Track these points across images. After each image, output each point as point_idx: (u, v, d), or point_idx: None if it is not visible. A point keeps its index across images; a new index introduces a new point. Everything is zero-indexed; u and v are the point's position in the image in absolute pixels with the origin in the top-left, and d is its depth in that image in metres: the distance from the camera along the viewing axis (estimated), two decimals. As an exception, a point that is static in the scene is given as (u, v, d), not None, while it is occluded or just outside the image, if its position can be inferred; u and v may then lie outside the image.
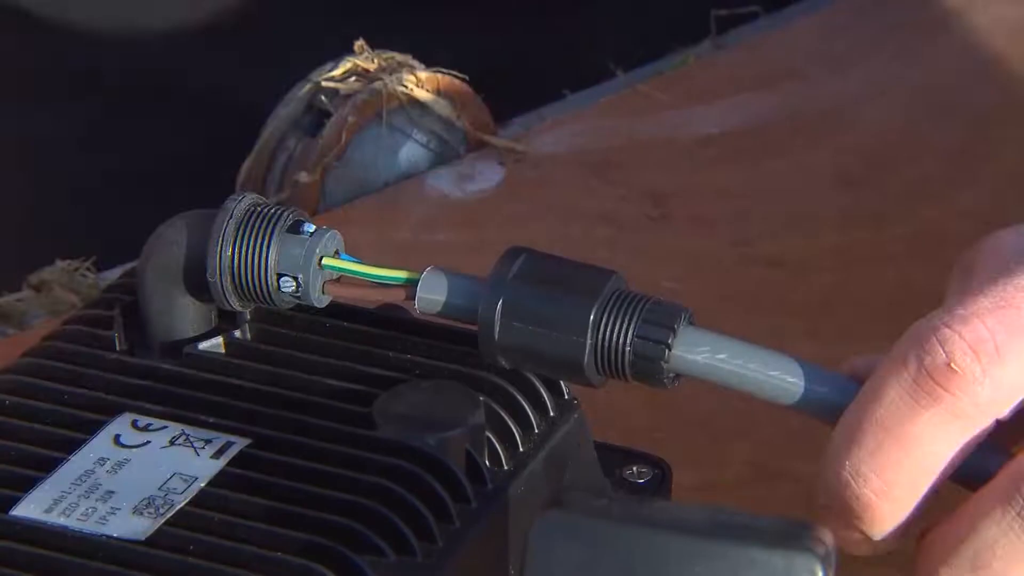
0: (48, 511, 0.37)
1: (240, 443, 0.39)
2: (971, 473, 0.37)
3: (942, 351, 0.35)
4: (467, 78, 0.61)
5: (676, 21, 0.65)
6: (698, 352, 0.38)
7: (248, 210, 0.39)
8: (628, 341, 0.38)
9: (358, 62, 0.60)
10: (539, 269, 0.39)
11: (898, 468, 0.35)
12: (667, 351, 0.38)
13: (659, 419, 0.48)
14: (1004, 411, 0.36)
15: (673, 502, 0.42)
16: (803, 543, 0.33)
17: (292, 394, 0.40)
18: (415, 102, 0.60)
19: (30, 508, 0.37)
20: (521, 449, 0.39)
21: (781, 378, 0.38)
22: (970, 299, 0.35)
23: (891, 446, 0.35)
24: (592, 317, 0.38)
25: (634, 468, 0.42)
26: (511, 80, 0.62)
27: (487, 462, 0.39)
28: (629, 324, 0.38)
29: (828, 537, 0.33)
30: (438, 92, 0.60)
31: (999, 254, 0.37)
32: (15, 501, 0.37)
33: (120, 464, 0.38)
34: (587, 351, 0.38)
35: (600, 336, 0.38)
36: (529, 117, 0.63)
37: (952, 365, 0.34)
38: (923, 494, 0.36)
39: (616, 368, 0.38)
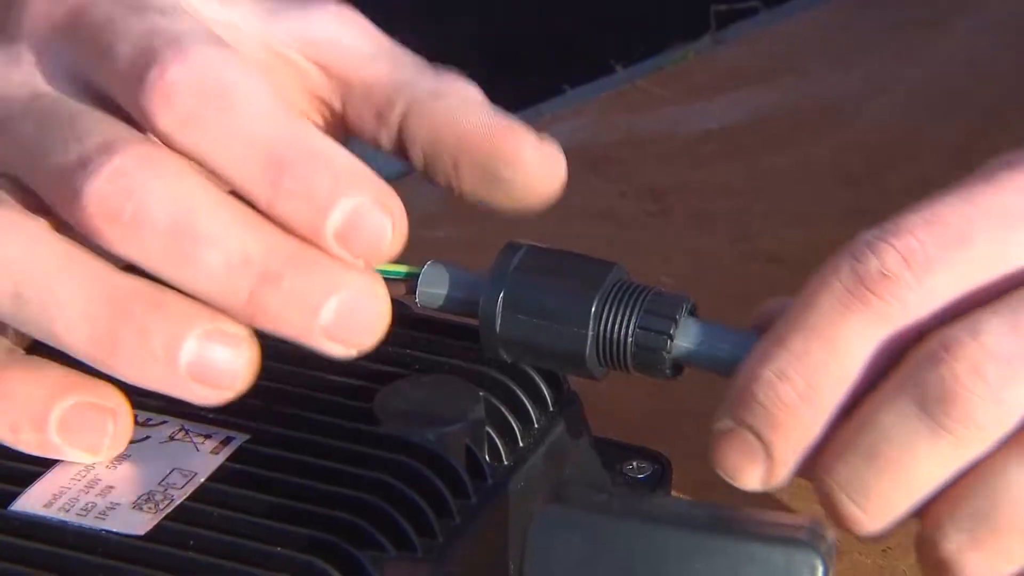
0: (47, 506, 0.37)
1: (240, 438, 0.38)
2: None
3: (874, 259, 0.36)
4: (466, 73, 0.61)
5: (676, 16, 0.64)
6: (700, 342, 0.38)
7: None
8: (630, 332, 0.38)
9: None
10: (540, 262, 0.39)
11: (824, 370, 0.36)
12: (669, 341, 0.38)
13: (660, 414, 0.48)
14: (929, 320, 0.36)
15: (673, 497, 0.42)
16: (803, 539, 0.33)
17: (291, 389, 0.40)
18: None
19: (30, 503, 0.37)
20: (521, 444, 0.39)
21: None
22: (903, 217, 0.36)
23: (819, 348, 0.36)
24: (594, 308, 0.38)
25: (634, 463, 0.42)
26: (510, 75, 0.62)
27: (487, 457, 0.39)
28: (631, 315, 0.38)
29: (828, 533, 0.33)
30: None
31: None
32: (15, 496, 0.37)
33: (120, 459, 0.38)
34: (589, 343, 0.38)
35: (602, 327, 0.38)
36: (528, 113, 0.63)
37: (883, 271, 0.35)
38: (842, 401, 0.36)
39: (618, 359, 0.38)
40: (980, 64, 0.64)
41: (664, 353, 0.38)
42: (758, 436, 0.36)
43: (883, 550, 0.45)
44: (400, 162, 0.62)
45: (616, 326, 0.38)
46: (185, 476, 0.38)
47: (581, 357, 0.38)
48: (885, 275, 0.35)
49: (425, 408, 0.39)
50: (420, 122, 0.40)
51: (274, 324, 0.36)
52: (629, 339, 0.38)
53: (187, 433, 0.38)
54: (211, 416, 0.39)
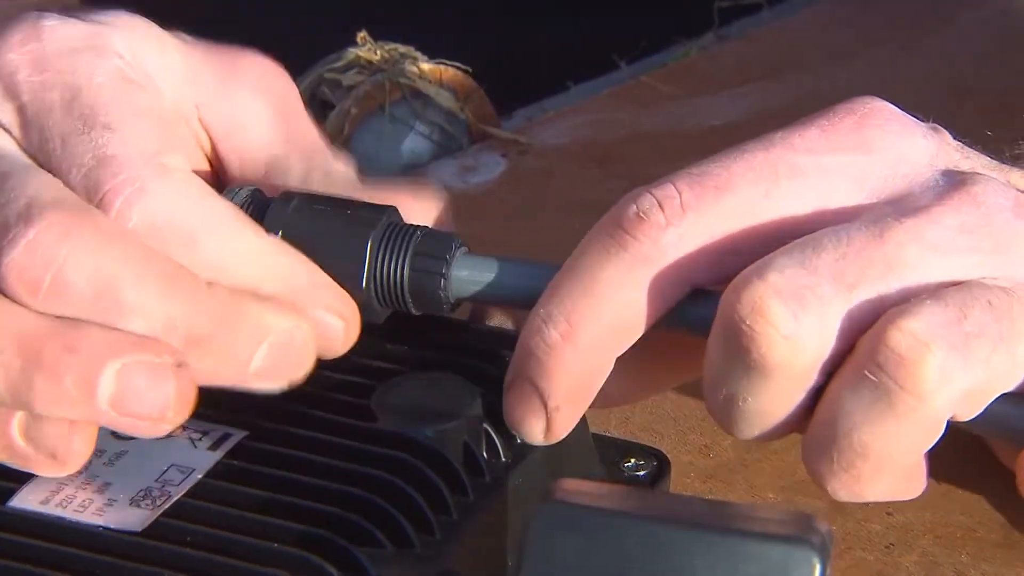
0: (45, 502, 0.37)
1: (238, 435, 0.38)
2: (688, 323, 0.38)
3: (634, 205, 0.37)
4: (470, 70, 0.61)
5: (679, 13, 0.64)
6: (476, 278, 0.39)
7: (247, 200, 0.39)
8: (404, 273, 0.38)
9: (361, 54, 0.60)
10: (312, 209, 0.39)
11: (585, 312, 0.37)
12: (442, 280, 0.38)
13: (660, 411, 0.48)
14: (685, 264, 0.37)
15: (671, 494, 0.42)
16: (801, 535, 0.32)
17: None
18: (418, 94, 0.60)
19: (28, 499, 0.37)
20: (519, 440, 0.39)
21: (539, 284, 0.38)
22: (674, 173, 0.38)
23: (580, 291, 0.37)
24: (368, 252, 0.38)
25: (632, 460, 0.42)
26: (514, 72, 0.62)
27: (485, 454, 0.39)
28: (403, 256, 0.38)
29: (825, 529, 0.33)
30: (441, 84, 0.60)
31: None
32: (12, 492, 0.37)
33: (117, 456, 0.38)
34: (365, 285, 0.38)
35: (377, 271, 0.38)
36: (532, 109, 0.63)
37: (639, 214, 0.37)
38: (607, 344, 0.37)
39: (397, 301, 0.39)
40: (984, 56, 0.63)
41: (440, 292, 0.39)
42: (533, 385, 0.38)
43: (886, 546, 0.45)
44: (401, 157, 0.62)
45: (390, 268, 0.38)
46: (183, 472, 0.38)
47: (359, 300, 0.39)
48: (640, 217, 0.37)
49: (423, 405, 0.38)
50: None
51: (206, 380, 0.37)
52: (404, 281, 0.38)
53: (185, 430, 0.38)
54: (209, 412, 0.39)
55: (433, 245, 0.39)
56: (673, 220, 0.37)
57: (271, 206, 0.39)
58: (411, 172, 0.60)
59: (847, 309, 0.36)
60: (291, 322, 0.37)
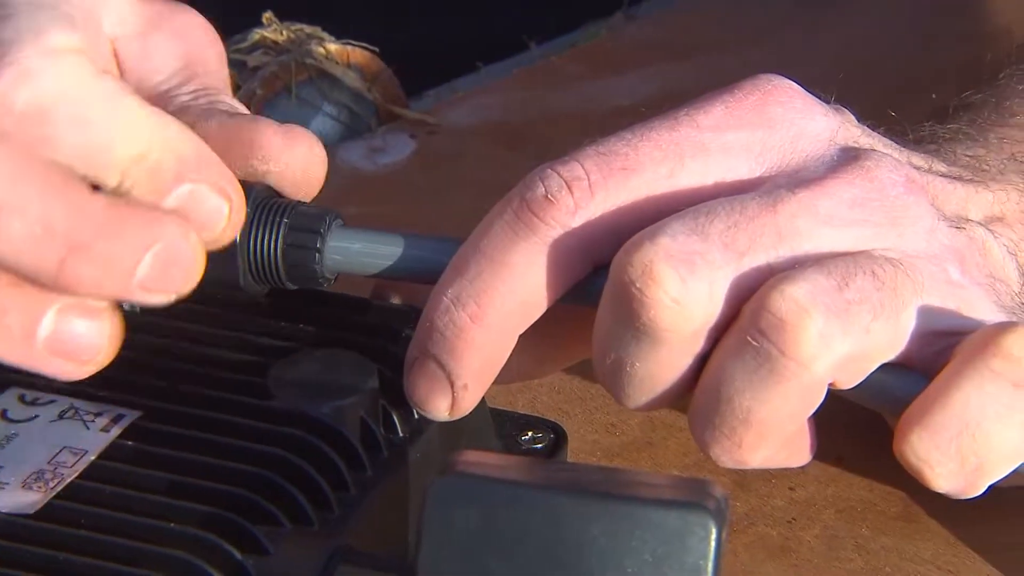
0: (-66, 486, 0.36)
1: (131, 415, 0.38)
2: (590, 298, 0.38)
3: (541, 186, 0.38)
4: (377, 50, 0.61)
5: (589, -7, 0.64)
6: (352, 250, 0.39)
7: None
8: (277, 249, 0.38)
9: (266, 34, 0.60)
10: None
11: (494, 294, 0.37)
12: (316, 254, 0.38)
13: (561, 386, 0.48)
14: (591, 243, 0.38)
15: (569, 463, 0.42)
16: (697, 501, 0.33)
17: (183, 365, 0.39)
18: (325, 75, 0.59)
19: (-84, 483, 0.36)
20: (416, 415, 0.39)
21: (431, 259, 0.39)
22: (580, 149, 0.38)
23: (489, 273, 0.37)
24: (240, 233, 0.38)
25: (530, 433, 0.42)
26: (423, 53, 0.62)
27: (383, 429, 0.38)
28: (277, 231, 0.38)
29: (722, 495, 0.33)
30: (348, 65, 0.60)
31: None
32: (-100, 477, 0.37)
33: (8, 439, 0.38)
34: (240, 264, 0.38)
35: (250, 249, 0.38)
36: (441, 90, 0.63)
37: (548, 196, 0.37)
38: (514, 323, 0.38)
39: (272, 277, 0.39)
40: (892, 36, 0.64)
41: (315, 266, 0.39)
42: (440, 364, 0.38)
43: (788, 521, 0.46)
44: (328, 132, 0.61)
45: (264, 244, 0.38)
46: (75, 454, 0.37)
47: (235, 280, 0.39)
48: (548, 199, 0.37)
49: (319, 382, 0.38)
50: None
51: (90, 290, 0.36)
52: (278, 256, 0.38)
53: (77, 411, 0.38)
54: (102, 394, 0.38)
55: (307, 219, 0.39)
56: (581, 202, 0.37)
57: None
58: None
59: (736, 275, 0.37)
60: (177, 230, 0.36)
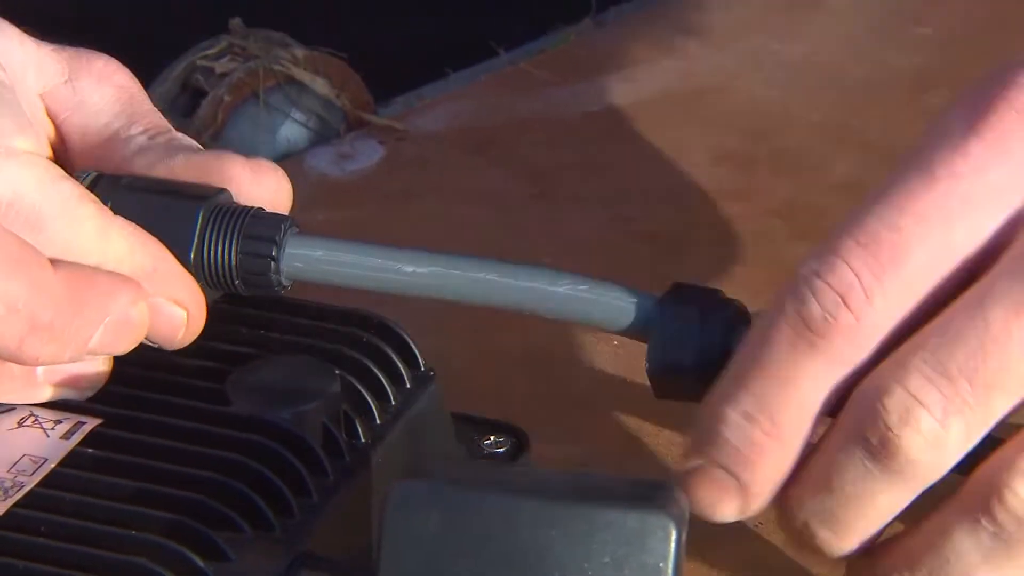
0: None
1: (91, 423, 0.38)
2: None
3: (815, 302, 0.36)
4: (346, 57, 0.61)
5: None
6: (308, 259, 0.38)
7: (92, 183, 0.39)
8: (232, 256, 0.38)
9: (234, 41, 0.60)
10: (141, 188, 0.39)
11: (787, 411, 0.36)
12: (272, 262, 0.38)
13: (518, 390, 0.48)
14: (881, 344, 0.36)
15: (529, 468, 0.42)
16: (657, 503, 0.33)
17: (143, 372, 0.39)
18: (293, 81, 0.59)
19: None
20: (378, 421, 0.39)
21: (391, 268, 0.38)
22: (836, 239, 0.36)
23: (779, 391, 0.36)
24: (195, 235, 0.38)
25: (492, 438, 0.42)
26: (392, 59, 0.62)
27: (344, 435, 0.38)
28: (232, 239, 0.38)
29: (682, 497, 0.33)
30: (316, 71, 0.60)
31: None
32: None
33: (-33, 446, 0.37)
34: (194, 271, 0.38)
35: (204, 253, 0.38)
36: (410, 96, 0.63)
37: (826, 316, 0.36)
38: (807, 433, 0.37)
39: (226, 283, 0.39)
40: (854, 41, 0.64)
41: (271, 275, 0.38)
42: (732, 474, 0.37)
43: (755, 525, 0.46)
44: (276, 145, 0.61)
45: (218, 251, 0.38)
46: (35, 462, 0.37)
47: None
48: (827, 320, 0.35)
49: (280, 387, 0.38)
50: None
51: (47, 361, 0.37)
52: (232, 263, 0.38)
53: (36, 419, 0.38)
54: (61, 402, 0.38)
55: (262, 227, 0.38)
56: (861, 315, 0.35)
57: (99, 181, 0.39)
58: (287, 159, 0.59)
59: (985, 409, 0.35)
60: (128, 298, 0.37)
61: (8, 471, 0.37)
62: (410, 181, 0.59)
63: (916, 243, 0.35)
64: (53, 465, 0.37)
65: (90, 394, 0.38)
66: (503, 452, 0.41)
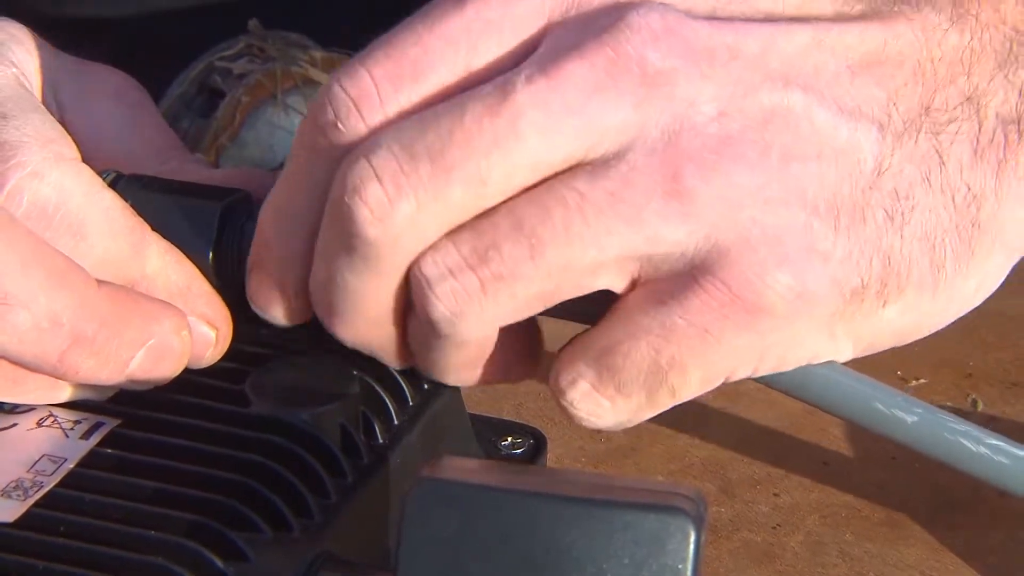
0: (-87, 494, 0.36)
1: (110, 423, 0.38)
2: None
3: (331, 109, 0.35)
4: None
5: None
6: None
7: (114, 180, 0.39)
8: (244, 256, 0.38)
9: (252, 42, 0.60)
10: (161, 188, 0.39)
11: (286, 212, 0.36)
12: None
13: (537, 390, 0.48)
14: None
15: (549, 468, 0.42)
16: (676, 505, 0.33)
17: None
18: (310, 82, 0.59)
19: None
20: (396, 422, 0.39)
21: None
22: (366, 52, 0.35)
23: (288, 196, 0.36)
24: (213, 241, 0.39)
25: (510, 439, 0.42)
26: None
27: (362, 436, 0.38)
28: (243, 239, 0.38)
29: (701, 498, 0.33)
30: (333, 72, 0.60)
31: None
32: None
33: (-14, 446, 0.37)
34: (213, 272, 0.39)
35: (222, 258, 0.39)
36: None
37: (338, 125, 0.35)
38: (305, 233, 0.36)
39: (243, 285, 0.39)
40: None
41: None
42: (269, 275, 0.37)
43: (773, 527, 0.46)
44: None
45: (235, 255, 0.39)
46: (55, 462, 0.37)
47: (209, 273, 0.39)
48: (337, 123, 0.35)
49: (299, 388, 0.38)
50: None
51: (84, 379, 0.37)
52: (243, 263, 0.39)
53: (55, 419, 0.38)
54: (81, 402, 0.38)
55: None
56: (372, 121, 0.35)
57: (119, 181, 0.39)
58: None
59: (442, 191, 0.34)
60: (171, 326, 0.37)
61: (28, 471, 0.37)
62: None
63: (439, 59, 0.35)
64: (72, 465, 0.37)
65: (110, 394, 0.38)
66: (521, 453, 0.41)
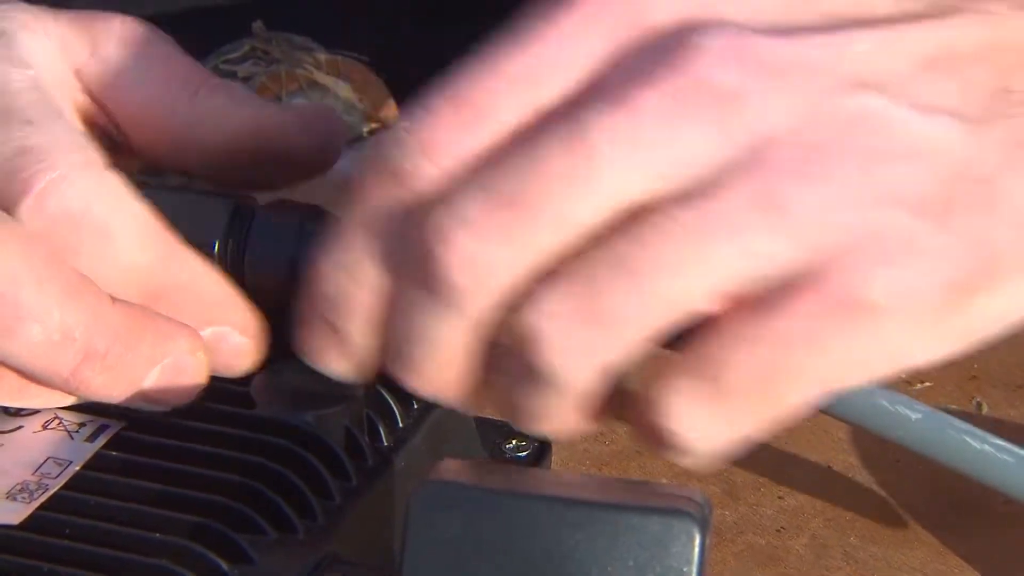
0: (-82, 496, 0.36)
1: (115, 426, 0.38)
2: None
3: (397, 150, 0.34)
4: (367, 60, 0.61)
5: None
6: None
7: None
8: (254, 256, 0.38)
9: (257, 45, 0.60)
10: (161, 195, 0.39)
11: (363, 255, 0.35)
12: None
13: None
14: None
15: (553, 471, 0.42)
16: (680, 507, 0.33)
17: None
18: (315, 85, 0.60)
19: (-100, 494, 0.36)
20: (401, 424, 0.39)
21: None
22: (429, 97, 0.35)
23: (358, 236, 0.35)
24: (221, 237, 0.38)
25: (514, 442, 0.42)
26: (413, 62, 0.62)
27: (367, 438, 0.38)
28: (246, 243, 0.38)
29: (706, 501, 0.33)
30: (338, 75, 0.60)
31: None
32: None
33: (-8, 448, 0.38)
34: (217, 261, 0.38)
35: (228, 254, 0.38)
36: (431, 99, 0.62)
37: (407, 164, 0.34)
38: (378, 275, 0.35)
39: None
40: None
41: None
42: (329, 323, 0.36)
43: (777, 530, 0.46)
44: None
45: (237, 255, 0.39)
46: (60, 464, 0.37)
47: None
48: (406, 167, 0.34)
49: (303, 390, 0.38)
50: (190, 135, 0.40)
51: (96, 394, 0.37)
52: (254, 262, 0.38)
53: (61, 421, 0.38)
54: (85, 404, 0.38)
55: (278, 230, 0.39)
56: (441, 164, 0.34)
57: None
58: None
59: (533, 233, 0.33)
60: (187, 345, 0.37)
61: (33, 473, 0.37)
62: (431, 185, 0.59)
63: (503, 101, 0.34)
64: (77, 467, 0.37)
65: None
66: (525, 456, 0.41)
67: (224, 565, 0.34)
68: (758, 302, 0.34)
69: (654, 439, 0.34)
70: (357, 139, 0.60)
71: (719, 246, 0.33)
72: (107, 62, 0.40)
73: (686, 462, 0.34)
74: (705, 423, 0.34)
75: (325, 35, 0.61)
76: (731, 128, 0.33)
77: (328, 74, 0.60)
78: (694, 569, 0.32)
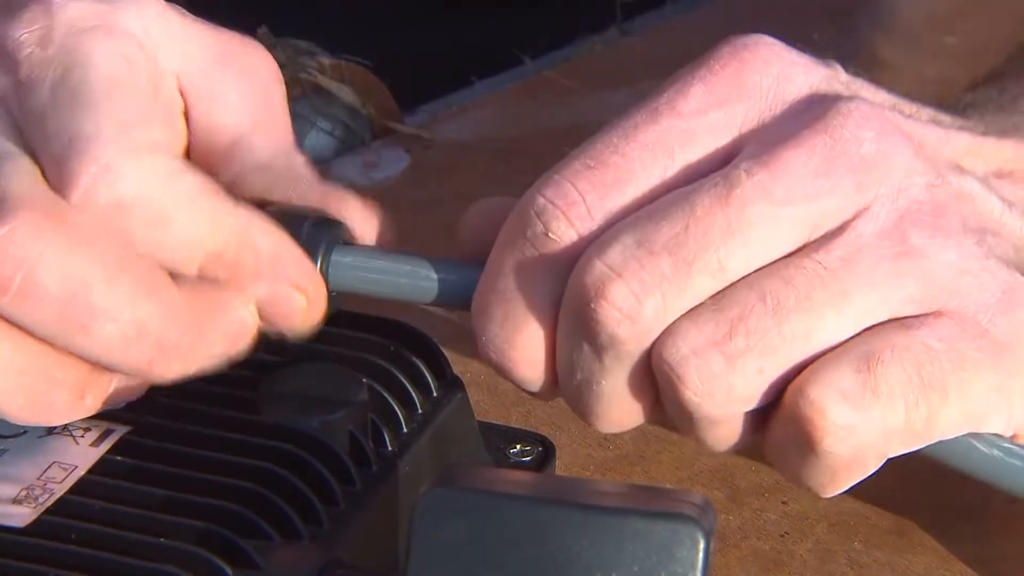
0: (-76, 501, 0.36)
1: (120, 430, 0.38)
2: None
3: (539, 222, 0.37)
4: (372, 65, 0.61)
5: (582, 8, 0.65)
6: (353, 269, 0.38)
7: None
8: None
9: (261, 50, 0.60)
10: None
11: (525, 332, 0.37)
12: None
13: (559, 405, 0.48)
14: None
15: (558, 476, 0.42)
16: (686, 512, 0.33)
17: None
18: (319, 90, 0.60)
19: (-94, 499, 0.36)
20: (405, 430, 0.39)
21: (415, 276, 0.38)
22: (564, 164, 0.38)
23: (515, 316, 0.37)
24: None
25: (518, 446, 0.42)
26: (417, 67, 0.62)
27: (371, 443, 0.38)
28: None
29: (709, 505, 0.33)
30: (342, 80, 0.60)
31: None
32: None
33: (-3, 454, 0.38)
34: None
35: None
36: (436, 104, 0.63)
37: (549, 235, 0.37)
38: (549, 342, 0.37)
39: None
40: (879, 50, 0.64)
41: None
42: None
43: (781, 535, 0.46)
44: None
45: None
46: (65, 469, 0.37)
47: None
48: (552, 239, 0.36)
49: (308, 396, 0.38)
50: (250, 190, 0.40)
51: (172, 378, 0.37)
52: None
53: (66, 426, 0.38)
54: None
55: (310, 236, 0.38)
56: (583, 230, 0.37)
57: None
58: (313, 168, 0.60)
59: (686, 282, 0.36)
60: (244, 311, 0.37)
61: (38, 478, 0.37)
62: (436, 189, 0.59)
63: (639, 167, 0.37)
64: (83, 472, 0.37)
65: (123, 404, 0.38)
66: (530, 460, 0.41)
67: (229, 570, 0.35)
68: (897, 327, 0.37)
69: (798, 424, 0.36)
70: (361, 145, 0.60)
71: (854, 286, 0.36)
72: (218, 82, 0.39)
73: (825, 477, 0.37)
74: (854, 411, 0.36)
75: (329, 40, 0.61)
76: (871, 183, 0.37)
77: (332, 78, 0.60)
78: (698, 574, 0.32)
